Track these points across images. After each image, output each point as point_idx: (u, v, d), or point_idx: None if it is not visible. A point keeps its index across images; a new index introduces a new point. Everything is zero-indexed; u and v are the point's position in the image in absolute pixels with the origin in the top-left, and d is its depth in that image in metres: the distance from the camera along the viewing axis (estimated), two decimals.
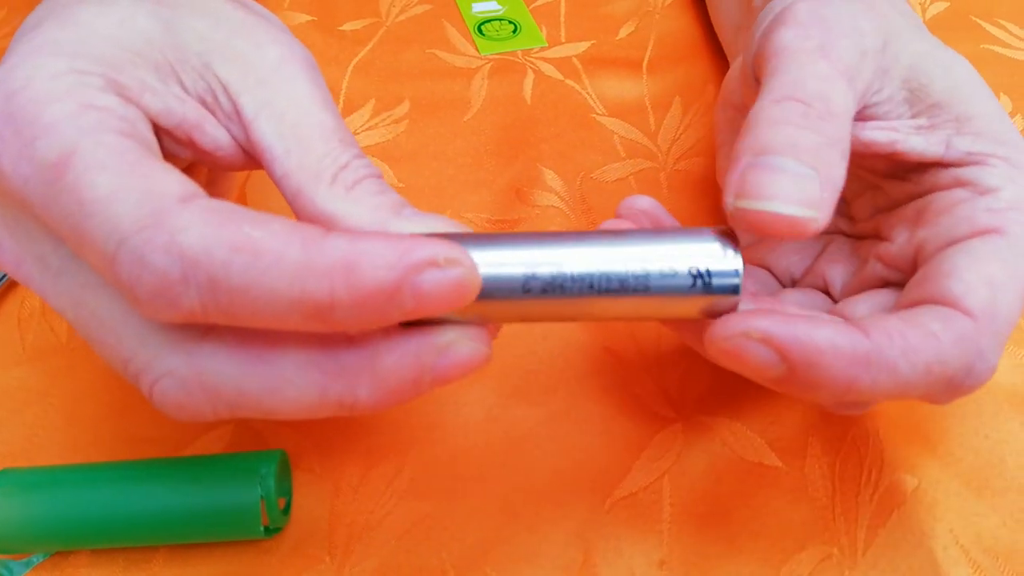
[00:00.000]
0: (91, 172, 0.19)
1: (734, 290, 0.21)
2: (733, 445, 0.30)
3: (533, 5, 0.49)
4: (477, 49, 0.46)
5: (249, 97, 0.23)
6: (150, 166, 0.20)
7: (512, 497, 0.28)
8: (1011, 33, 0.46)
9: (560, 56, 0.45)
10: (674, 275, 0.21)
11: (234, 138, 0.24)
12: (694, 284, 0.21)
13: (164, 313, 0.19)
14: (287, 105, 0.23)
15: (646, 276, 0.21)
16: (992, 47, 0.46)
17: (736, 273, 0.21)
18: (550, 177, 0.39)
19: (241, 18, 0.25)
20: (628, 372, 0.31)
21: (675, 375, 0.31)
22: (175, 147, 0.24)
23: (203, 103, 0.24)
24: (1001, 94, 0.42)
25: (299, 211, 0.23)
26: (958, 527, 0.27)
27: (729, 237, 0.21)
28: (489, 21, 0.48)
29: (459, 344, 0.21)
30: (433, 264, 0.19)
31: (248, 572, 0.27)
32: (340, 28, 0.47)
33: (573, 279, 0.21)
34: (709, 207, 0.37)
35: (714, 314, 0.22)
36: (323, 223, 0.22)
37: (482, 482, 0.29)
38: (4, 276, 0.34)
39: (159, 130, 0.23)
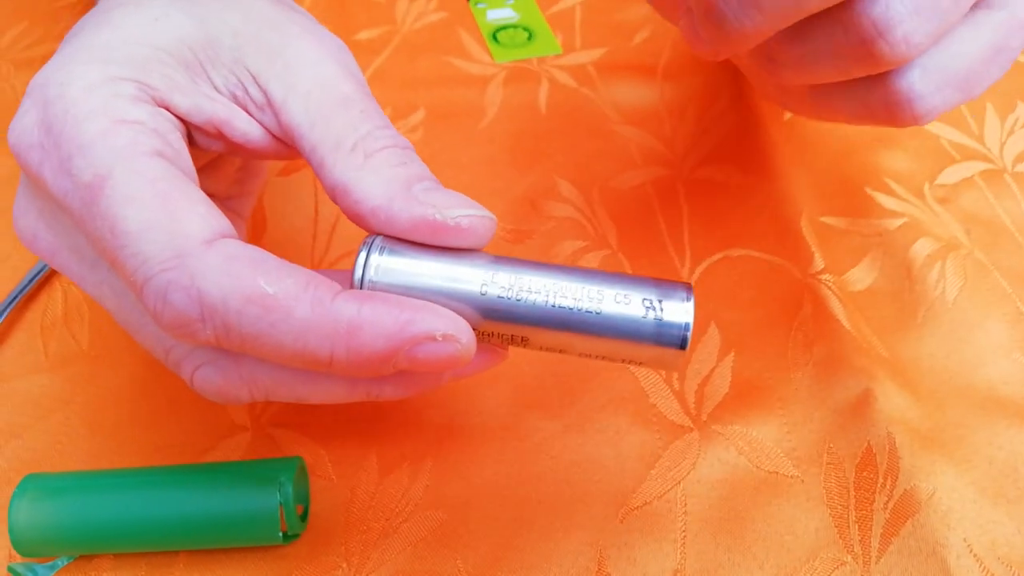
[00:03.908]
0: (123, 204, 0.21)
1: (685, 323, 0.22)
2: (749, 454, 0.30)
3: (548, 12, 0.49)
4: (492, 56, 0.46)
5: (277, 83, 0.24)
6: (179, 198, 0.21)
7: (526, 506, 0.29)
8: None
9: (575, 63, 0.45)
10: (628, 302, 0.22)
11: (266, 128, 0.25)
12: (646, 314, 0.22)
13: (184, 340, 0.22)
14: (312, 84, 0.24)
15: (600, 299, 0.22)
16: None
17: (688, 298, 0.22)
18: (565, 188, 0.39)
19: (271, 13, 0.26)
20: (644, 382, 0.32)
21: (692, 385, 0.32)
22: (206, 141, 0.25)
23: (234, 98, 0.25)
24: (1018, 102, 0.42)
25: (325, 184, 0.24)
26: (972, 535, 0.27)
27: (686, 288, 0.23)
28: (504, 28, 0.48)
29: (460, 338, 0.22)
30: (431, 339, 0.21)
31: None
32: (355, 37, 0.48)
33: (530, 290, 0.22)
34: (727, 214, 0.37)
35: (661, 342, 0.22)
36: (339, 193, 0.23)
37: (496, 491, 0.29)
38: (25, 286, 0.35)
39: (190, 126, 0.24)
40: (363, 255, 0.22)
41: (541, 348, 0.23)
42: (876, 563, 0.27)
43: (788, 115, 0.42)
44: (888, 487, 0.28)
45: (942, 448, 0.29)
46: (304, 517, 0.28)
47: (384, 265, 0.22)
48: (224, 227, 0.22)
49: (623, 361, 0.23)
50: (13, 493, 0.27)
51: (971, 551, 0.27)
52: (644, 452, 0.30)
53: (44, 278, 0.36)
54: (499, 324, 0.22)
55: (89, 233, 0.22)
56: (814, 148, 0.40)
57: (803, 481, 0.29)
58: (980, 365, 0.32)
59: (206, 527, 0.27)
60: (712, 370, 0.32)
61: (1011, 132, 0.41)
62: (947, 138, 0.40)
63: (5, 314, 0.34)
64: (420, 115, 0.43)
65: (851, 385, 0.31)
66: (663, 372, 0.31)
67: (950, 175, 0.39)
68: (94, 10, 0.26)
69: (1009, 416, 0.30)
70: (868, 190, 0.38)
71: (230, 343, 0.21)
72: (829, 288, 0.34)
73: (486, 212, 0.23)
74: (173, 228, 0.21)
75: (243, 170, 0.30)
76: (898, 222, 0.37)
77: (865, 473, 0.29)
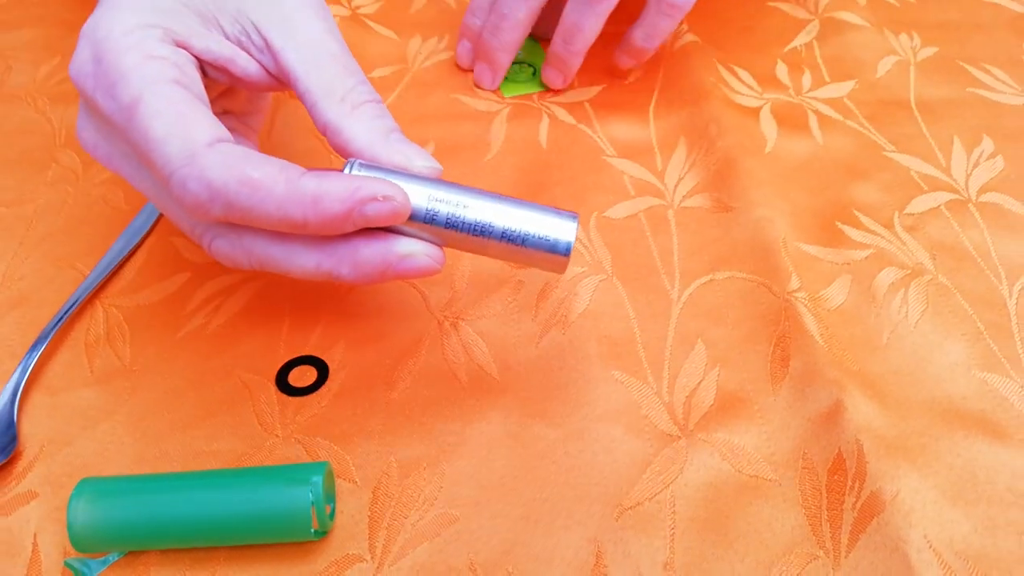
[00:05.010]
0: (151, 119, 0.28)
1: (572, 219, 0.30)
2: (732, 460, 0.33)
3: (548, 51, 0.53)
4: (501, 91, 0.49)
5: (276, 32, 0.32)
6: (190, 114, 0.28)
7: (531, 506, 0.31)
8: (995, 77, 0.49)
9: (572, 101, 0.49)
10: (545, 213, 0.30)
11: (264, 67, 0.32)
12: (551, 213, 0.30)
13: (201, 217, 0.29)
14: (305, 38, 0.32)
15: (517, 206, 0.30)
16: (977, 90, 0.49)
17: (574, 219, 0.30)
18: None
19: None
20: (638, 396, 0.35)
21: (680, 397, 0.34)
22: (215, 74, 0.32)
23: (238, 43, 0.32)
24: (984, 135, 0.45)
25: (315, 120, 0.31)
26: (932, 533, 0.30)
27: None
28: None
29: (416, 256, 0.30)
30: (374, 200, 0.28)
31: (299, 570, 0.30)
32: (370, 75, 0.51)
33: (456, 203, 0.30)
34: (714, 240, 0.41)
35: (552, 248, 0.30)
36: (329, 132, 0.31)
37: (504, 492, 0.32)
38: (70, 307, 0.38)
39: (203, 63, 0.32)
40: (347, 170, 0.29)
41: (477, 218, 0.30)
42: (845, 557, 0.30)
43: (768, 148, 0.45)
44: (856, 489, 0.31)
45: (906, 455, 0.32)
46: (332, 515, 0.31)
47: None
48: (222, 134, 0.29)
49: (525, 244, 0.30)
50: (71, 495, 0.30)
51: (931, 546, 0.30)
52: (637, 458, 0.33)
53: (87, 299, 0.39)
54: (439, 198, 0.29)
55: (129, 141, 0.29)
56: (793, 180, 0.43)
57: (780, 484, 0.32)
58: (941, 381, 0.35)
59: (244, 525, 0.29)
60: (699, 383, 0.35)
61: (976, 164, 0.44)
62: (916, 170, 0.44)
63: (53, 332, 0.37)
64: (430, 148, 0.46)
65: (824, 397, 0.34)
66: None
67: (918, 205, 0.42)
68: None
69: (967, 427, 0.33)
70: (838, 224, 0.41)
71: (233, 216, 0.28)
72: (804, 306, 0.37)
73: (435, 163, 0.31)
74: (186, 136, 0.28)
75: (251, 96, 0.38)
76: (864, 253, 0.40)
77: (836, 477, 0.32)
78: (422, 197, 0.30)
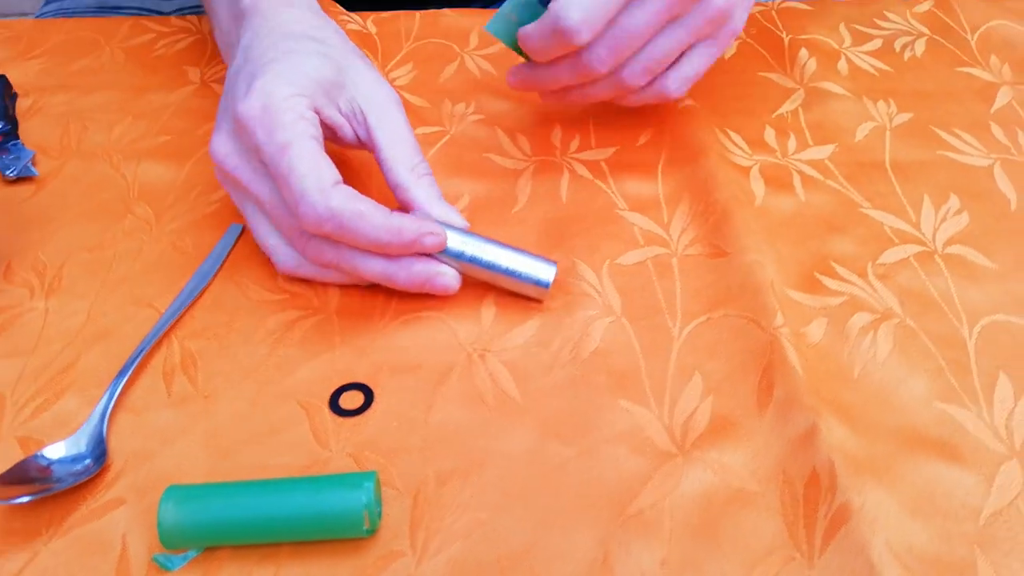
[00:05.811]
0: (298, 159, 0.40)
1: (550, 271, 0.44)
2: (722, 474, 0.37)
3: (567, 117, 0.58)
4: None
5: (372, 116, 0.45)
6: (323, 162, 0.41)
7: (548, 512, 0.36)
8: (964, 141, 0.54)
9: (591, 159, 0.54)
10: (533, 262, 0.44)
11: (358, 135, 0.46)
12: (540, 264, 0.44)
13: (310, 230, 0.41)
14: (389, 123, 0.45)
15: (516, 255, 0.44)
16: (947, 153, 0.53)
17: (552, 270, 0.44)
18: (582, 268, 0.47)
19: (367, 72, 0.46)
20: (642, 421, 0.39)
21: (679, 421, 0.39)
22: (326, 132, 0.45)
23: (346, 116, 0.45)
24: (951, 194, 0.51)
25: (388, 179, 0.45)
26: (893, 539, 0.34)
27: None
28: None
29: (447, 275, 0.43)
30: (430, 234, 0.42)
31: (351, 563, 0.35)
32: (416, 132, 0.57)
33: (477, 247, 0.44)
34: (711, 283, 0.45)
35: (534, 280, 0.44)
36: (399, 192, 0.44)
37: (525, 499, 0.37)
38: (150, 340, 0.43)
39: (323, 125, 0.44)
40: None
41: (489, 258, 0.43)
42: (818, 559, 0.34)
43: (758, 202, 0.51)
44: (828, 500, 0.36)
45: (873, 473, 0.37)
46: (379, 517, 0.35)
47: None
48: (339, 178, 0.41)
49: (519, 278, 0.44)
50: (160, 499, 0.34)
51: (891, 550, 0.34)
52: (640, 473, 0.37)
53: (164, 334, 0.44)
54: (467, 242, 0.43)
55: (272, 167, 0.41)
56: (779, 233, 0.48)
57: (763, 495, 0.36)
58: (906, 411, 0.39)
59: (306, 524, 0.34)
60: (695, 409, 0.40)
61: (943, 220, 0.49)
62: (889, 225, 0.49)
63: (136, 362, 0.42)
64: (464, 201, 0.51)
65: (802, 421, 0.38)
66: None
67: (890, 256, 0.47)
68: (275, 47, 0.44)
69: (928, 450, 0.38)
70: (816, 274, 0.46)
71: (339, 233, 0.40)
72: (788, 340, 0.41)
73: (465, 221, 0.44)
74: (320, 176, 0.40)
75: (334, 145, 0.49)
76: (839, 300, 0.45)
77: (811, 490, 0.36)
78: (456, 241, 0.43)
